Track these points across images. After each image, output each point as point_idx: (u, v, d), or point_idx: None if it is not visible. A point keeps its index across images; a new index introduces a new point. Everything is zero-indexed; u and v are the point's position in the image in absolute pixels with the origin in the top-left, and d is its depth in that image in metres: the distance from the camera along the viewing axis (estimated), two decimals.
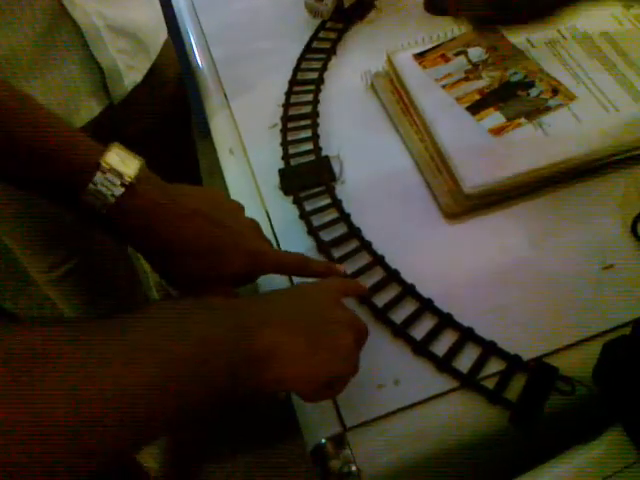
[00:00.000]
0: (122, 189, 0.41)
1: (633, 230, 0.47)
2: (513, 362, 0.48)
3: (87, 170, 0.41)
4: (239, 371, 0.35)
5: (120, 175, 0.41)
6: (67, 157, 0.41)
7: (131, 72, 0.70)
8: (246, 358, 0.36)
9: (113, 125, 0.71)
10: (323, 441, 0.48)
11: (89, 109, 0.67)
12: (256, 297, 0.42)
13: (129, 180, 0.42)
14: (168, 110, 0.81)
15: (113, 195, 0.41)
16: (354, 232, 0.57)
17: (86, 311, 0.83)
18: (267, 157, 0.67)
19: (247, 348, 0.36)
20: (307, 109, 0.70)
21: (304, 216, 0.60)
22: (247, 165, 0.68)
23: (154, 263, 0.46)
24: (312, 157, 0.65)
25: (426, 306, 0.52)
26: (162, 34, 0.78)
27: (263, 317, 0.39)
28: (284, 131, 0.68)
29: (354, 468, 0.47)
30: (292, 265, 0.50)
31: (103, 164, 0.41)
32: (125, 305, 0.86)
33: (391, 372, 0.50)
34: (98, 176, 0.41)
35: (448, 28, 0.73)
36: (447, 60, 0.70)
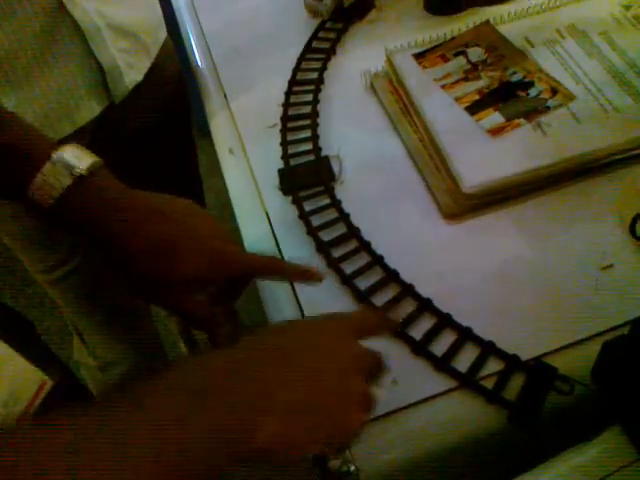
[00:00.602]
0: (70, 180, 0.40)
1: (632, 230, 0.47)
2: (512, 362, 0.48)
3: (37, 161, 0.40)
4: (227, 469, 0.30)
5: (71, 167, 0.40)
6: (18, 148, 0.40)
7: (132, 71, 0.70)
8: (237, 459, 0.30)
9: (114, 124, 0.71)
10: None
11: (90, 108, 0.67)
12: (250, 361, 0.34)
13: (79, 172, 0.40)
14: (168, 109, 0.81)
15: (61, 187, 0.40)
16: (353, 232, 0.57)
17: (85, 311, 0.83)
18: (267, 157, 0.67)
19: (237, 451, 0.30)
20: (307, 109, 0.70)
21: (303, 216, 0.60)
22: (247, 165, 0.68)
23: (108, 262, 0.43)
24: (312, 157, 0.65)
25: (425, 306, 0.52)
26: (162, 33, 0.78)
27: (263, 403, 0.32)
28: (284, 131, 0.68)
29: (353, 468, 0.47)
30: (260, 265, 0.46)
31: (54, 156, 0.40)
32: (123, 306, 0.86)
33: (389, 372, 0.50)
34: (47, 167, 0.40)
35: (447, 28, 0.73)
36: (446, 60, 0.70)
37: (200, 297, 0.44)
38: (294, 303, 0.55)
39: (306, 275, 0.47)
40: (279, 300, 0.56)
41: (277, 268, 0.47)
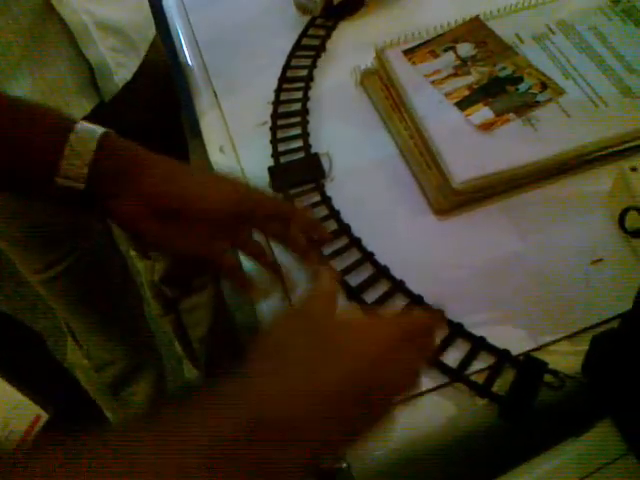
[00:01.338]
0: (95, 143, 0.42)
1: (620, 223, 0.47)
2: (502, 357, 0.48)
3: (62, 136, 0.42)
4: None
5: (93, 132, 0.43)
6: (38, 133, 0.43)
7: (121, 69, 0.70)
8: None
9: (104, 123, 0.71)
10: None
11: (80, 107, 0.67)
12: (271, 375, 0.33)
13: (101, 132, 0.43)
14: (158, 107, 0.81)
15: (91, 151, 0.42)
16: (344, 229, 0.57)
17: (78, 311, 0.83)
18: (257, 155, 0.67)
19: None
20: (297, 106, 0.70)
21: None
22: (237, 163, 0.68)
23: (135, 220, 0.44)
24: (302, 155, 0.65)
25: (416, 302, 0.52)
26: (151, 31, 0.77)
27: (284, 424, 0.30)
28: (273, 129, 0.68)
29: (344, 464, 0.47)
30: (283, 209, 0.49)
31: (77, 126, 0.43)
32: (118, 304, 0.86)
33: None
34: (72, 138, 0.42)
35: (437, 24, 0.73)
36: (436, 56, 0.70)
37: (221, 244, 0.46)
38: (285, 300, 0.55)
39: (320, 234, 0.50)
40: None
41: (294, 215, 0.49)
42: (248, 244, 0.49)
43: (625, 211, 0.46)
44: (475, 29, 0.73)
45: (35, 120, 0.44)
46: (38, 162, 0.42)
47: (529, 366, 0.47)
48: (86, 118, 0.67)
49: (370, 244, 0.56)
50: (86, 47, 0.64)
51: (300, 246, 0.49)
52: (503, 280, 0.54)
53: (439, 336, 0.50)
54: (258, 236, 0.50)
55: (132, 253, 1.03)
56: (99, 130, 0.44)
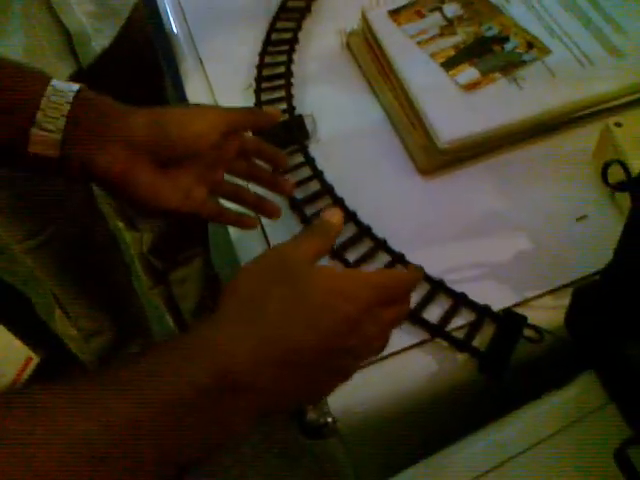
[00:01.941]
0: (72, 95, 0.41)
1: (604, 177, 0.47)
2: (483, 312, 0.49)
3: (38, 90, 0.41)
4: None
5: (68, 87, 0.42)
6: (14, 87, 0.42)
7: (100, 35, 0.69)
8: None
9: None
10: None
11: (57, 73, 0.66)
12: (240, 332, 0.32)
13: (77, 87, 0.42)
14: (139, 74, 0.80)
15: (67, 102, 0.41)
16: (327, 189, 0.57)
17: (63, 281, 0.82)
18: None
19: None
20: (281, 69, 0.69)
21: None
22: None
23: (121, 174, 0.43)
24: (286, 117, 0.65)
25: (397, 260, 0.52)
26: None
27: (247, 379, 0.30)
28: (258, 92, 0.67)
29: (330, 419, 0.47)
30: (260, 119, 0.50)
31: (52, 82, 0.42)
32: (103, 274, 0.86)
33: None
34: (49, 90, 0.41)
35: None
36: (422, 16, 0.69)
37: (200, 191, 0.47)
38: None
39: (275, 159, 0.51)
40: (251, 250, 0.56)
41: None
42: (224, 184, 0.50)
43: (607, 164, 0.45)
44: None
45: (11, 75, 0.43)
46: (15, 114, 0.41)
47: (508, 321, 0.48)
48: None
49: (353, 204, 0.56)
50: (63, 13, 0.63)
51: (268, 176, 0.51)
52: (486, 238, 0.54)
53: (420, 293, 0.50)
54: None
55: (120, 225, 1.03)
56: (76, 86, 0.43)
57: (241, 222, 0.51)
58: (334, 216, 0.40)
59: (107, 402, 0.27)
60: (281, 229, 0.57)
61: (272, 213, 0.52)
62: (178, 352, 0.30)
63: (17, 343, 0.71)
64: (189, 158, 0.45)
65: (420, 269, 0.49)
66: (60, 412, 0.26)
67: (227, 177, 0.50)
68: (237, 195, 0.51)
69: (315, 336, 0.32)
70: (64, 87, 0.42)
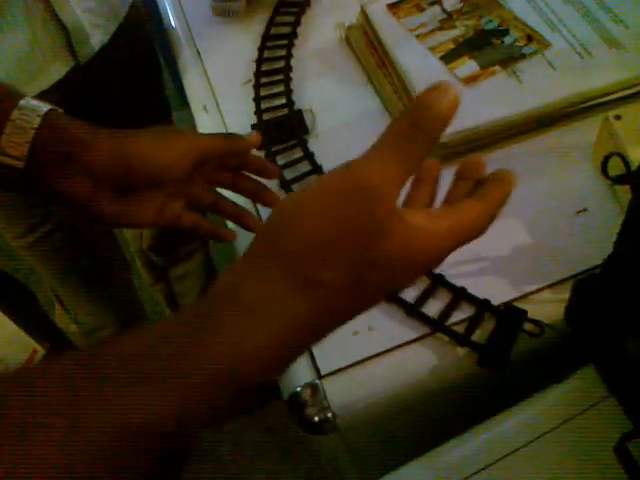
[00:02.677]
0: (39, 120, 0.40)
1: (603, 170, 0.47)
2: (482, 306, 0.48)
3: (5, 112, 0.40)
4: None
5: (37, 109, 0.41)
6: None
7: (97, 31, 0.68)
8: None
9: (81, 86, 0.70)
10: (298, 389, 0.48)
11: (54, 70, 0.66)
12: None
13: (45, 110, 0.41)
14: (138, 70, 0.80)
15: (31, 127, 0.40)
16: None
17: (62, 276, 0.82)
18: (241, 113, 0.66)
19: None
20: (280, 64, 0.69)
21: None
22: (221, 122, 0.67)
23: (86, 202, 0.42)
24: (285, 112, 0.64)
25: None
26: None
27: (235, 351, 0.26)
28: (257, 86, 0.67)
29: (330, 414, 0.47)
30: (231, 144, 0.47)
31: (21, 102, 0.41)
32: (102, 269, 0.86)
33: (365, 319, 0.50)
34: (15, 114, 0.40)
35: None
36: (421, 10, 0.69)
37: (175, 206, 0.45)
38: None
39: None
40: None
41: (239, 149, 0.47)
42: (202, 197, 0.48)
43: (607, 157, 0.45)
44: None
45: None
46: None
47: (508, 315, 0.47)
48: (62, 81, 0.66)
49: None
50: (61, 9, 0.63)
51: (253, 188, 0.49)
52: (487, 232, 0.54)
53: (419, 287, 0.50)
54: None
55: None
56: (44, 107, 0.42)
57: (217, 234, 0.50)
58: (447, 92, 0.27)
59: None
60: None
61: (252, 225, 0.50)
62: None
63: (23, 336, 0.71)
64: (155, 183, 0.44)
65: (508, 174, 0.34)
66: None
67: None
68: (217, 207, 0.49)
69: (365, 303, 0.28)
70: (31, 109, 0.41)
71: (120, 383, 0.24)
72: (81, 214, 0.43)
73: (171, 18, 0.81)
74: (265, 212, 0.57)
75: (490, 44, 0.64)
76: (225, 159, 0.47)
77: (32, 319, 0.61)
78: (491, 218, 0.31)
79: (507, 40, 0.64)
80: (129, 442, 0.24)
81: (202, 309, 0.27)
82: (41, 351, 0.62)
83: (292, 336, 0.27)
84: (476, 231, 0.30)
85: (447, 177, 0.57)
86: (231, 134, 0.48)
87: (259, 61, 0.70)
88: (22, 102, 0.41)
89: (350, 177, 0.27)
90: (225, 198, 0.50)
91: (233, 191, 0.50)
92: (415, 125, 0.27)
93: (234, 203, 0.50)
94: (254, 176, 0.50)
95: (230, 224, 0.52)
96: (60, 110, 0.43)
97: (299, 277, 0.26)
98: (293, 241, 0.27)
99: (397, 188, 0.27)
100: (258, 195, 0.50)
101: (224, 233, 0.50)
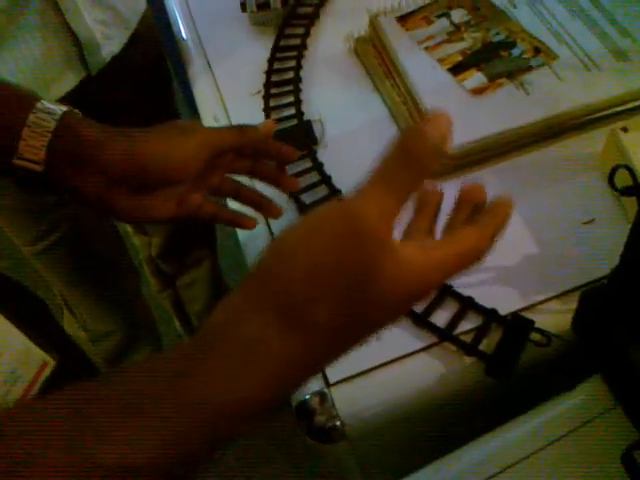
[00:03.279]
0: (54, 123, 0.41)
1: (610, 182, 0.47)
2: (490, 316, 0.49)
3: (21, 115, 0.41)
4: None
5: (52, 112, 0.42)
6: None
7: (109, 42, 0.69)
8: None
9: (91, 96, 0.71)
10: (307, 397, 0.48)
11: (66, 80, 0.67)
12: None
13: (61, 112, 0.42)
14: (148, 81, 0.81)
15: (48, 131, 0.41)
16: (335, 194, 0.58)
17: (71, 282, 0.83)
18: (250, 123, 0.67)
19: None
20: (289, 75, 0.70)
21: None
22: None
23: (101, 200, 0.43)
24: (294, 122, 0.65)
25: None
26: (141, 4, 0.77)
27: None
28: (266, 97, 0.68)
29: (338, 423, 0.48)
30: (252, 143, 0.47)
31: (37, 105, 0.41)
32: (111, 277, 0.86)
33: None
34: (31, 118, 0.41)
35: None
36: (429, 22, 0.70)
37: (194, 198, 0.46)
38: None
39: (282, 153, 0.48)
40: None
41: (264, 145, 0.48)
42: (222, 186, 0.49)
43: (615, 169, 0.46)
44: None
45: None
46: None
47: (515, 324, 0.48)
48: (73, 92, 0.67)
49: None
50: (73, 20, 0.64)
51: (273, 173, 0.49)
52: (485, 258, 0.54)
53: (428, 298, 0.51)
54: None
55: (129, 229, 1.04)
56: (59, 110, 0.42)
57: (239, 221, 0.50)
58: (440, 121, 0.27)
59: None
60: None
61: (273, 212, 0.50)
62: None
63: (33, 347, 0.72)
64: (172, 180, 0.44)
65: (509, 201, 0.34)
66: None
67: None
68: (238, 194, 0.50)
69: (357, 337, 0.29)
70: (47, 112, 0.42)
71: (102, 423, 0.24)
72: (98, 211, 0.44)
73: (182, 29, 0.82)
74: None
75: (498, 56, 0.65)
76: (242, 149, 0.47)
77: (42, 328, 0.62)
78: (489, 245, 0.31)
79: (514, 52, 0.65)
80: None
81: (192, 349, 0.27)
82: (51, 363, 0.62)
83: (283, 376, 0.27)
84: (474, 258, 0.31)
85: (455, 190, 0.58)
86: (244, 126, 0.48)
87: (269, 72, 0.71)
88: (38, 105, 0.42)
89: (341, 214, 0.27)
90: (245, 186, 0.50)
91: (254, 178, 0.50)
92: (407, 155, 0.27)
93: (255, 190, 0.50)
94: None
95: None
96: (76, 111, 0.44)
97: (291, 317, 0.26)
98: (285, 280, 0.26)
99: (389, 222, 0.27)
100: (278, 181, 0.50)
101: (245, 221, 0.50)
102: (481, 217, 0.32)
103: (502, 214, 0.32)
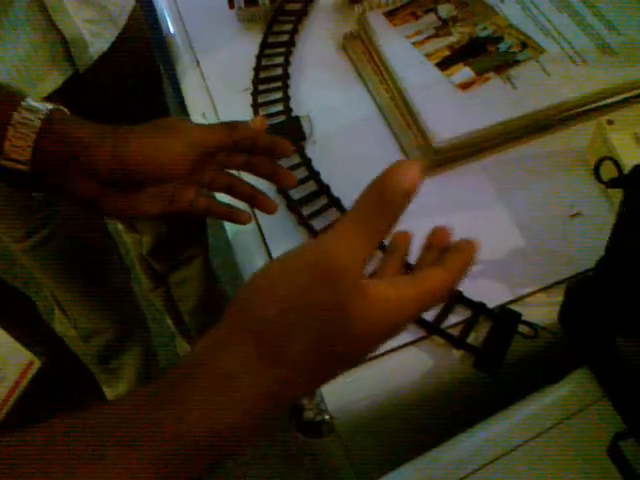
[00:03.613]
0: (39, 122, 0.41)
1: (596, 174, 0.48)
2: (478, 309, 0.49)
3: (5, 116, 0.40)
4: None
5: (37, 110, 0.41)
6: None
7: (97, 40, 0.69)
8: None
9: (81, 94, 0.71)
10: None
11: (52, 78, 0.66)
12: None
13: (47, 110, 0.41)
14: (138, 79, 0.80)
15: (33, 132, 0.40)
16: (323, 189, 0.58)
17: (61, 280, 0.83)
18: (238, 120, 0.67)
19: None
20: (278, 71, 0.70)
21: None
22: None
23: (90, 199, 0.43)
24: (283, 118, 0.65)
25: None
26: (129, 3, 0.76)
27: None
28: (255, 94, 0.68)
29: (327, 417, 0.48)
30: (243, 138, 0.46)
31: (23, 103, 0.41)
32: (102, 273, 0.86)
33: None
34: (15, 117, 0.40)
35: None
36: (417, 17, 0.70)
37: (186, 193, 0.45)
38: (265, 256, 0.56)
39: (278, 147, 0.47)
40: (252, 258, 0.56)
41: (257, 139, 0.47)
42: (215, 181, 0.48)
43: (600, 161, 0.46)
44: None
45: None
46: None
47: (503, 317, 0.48)
48: (62, 89, 0.67)
49: (349, 204, 0.56)
50: (59, 19, 0.63)
51: (269, 167, 0.49)
52: (481, 235, 0.54)
53: None
54: None
55: (120, 227, 1.04)
56: (44, 109, 0.42)
57: (233, 216, 0.50)
58: (409, 170, 0.28)
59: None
60: (278, 230, 0.57)
61: (268, 207, 0.50)
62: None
63: (19, 347, 0.72)
64: (163, 177, 0.44)
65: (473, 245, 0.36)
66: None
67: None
68: (231, 188, 0.49)
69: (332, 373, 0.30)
70: (33, 111, 0.41)
71: (84, 454, 0.25)
72: (87, 209, 0.44)
73: (170, 25, 0.82)
74: None
75: (485, 51, 0.65)
76: (235, 145, 0.47)
77: (30, 328, 0.61)
78: (452, 285, 0.32)
79: (502, 47, 0.65)
80: None
81: (175, 377, 0.27)
82: (37, 363, 0.62)
83: (256, 408, 0.27)
84: (437, 298, 0.32)
85: (442, 184, 0.59)
86: (234, 123, 0.47)
87: (257, 69, 0.71)
88: (23, 104, 0.41)
89: (315, 254, 0.28)
90: (240, 179, 0.50)
91: (248, 172, 0.49)
92: (381, 199, 0.28)
93: (249, 184, 0.49)
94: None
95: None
96: (63, 108, 0.44)
97: (264, 351, 0.27)
98: (260, 316, 0.27)
99: (362, 262, 0.28)
100: (274, 175, 0.49)
101: (239, 215, 0.49)
102: (446, 258, 0.33)
103: (466, 256, 0.34)
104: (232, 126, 0.47)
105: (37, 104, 0.42)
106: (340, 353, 0.28)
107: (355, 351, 0.29)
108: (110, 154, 0.42)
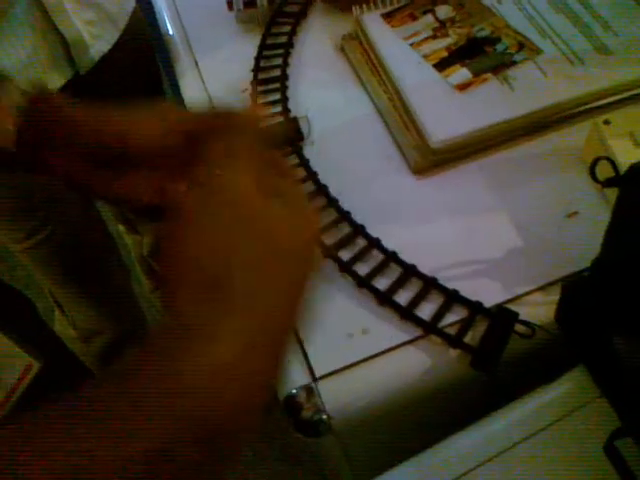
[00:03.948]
0: (24, 99, 0.39)
1: (592, 173, 0.48)
2: (475, 308, 0.49)
3: None
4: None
5: (21, 89, 0.40)
6: None
7: (98, 42, 0.70)
8: None
9: (81, 95, 0.71)
10: (294, 391, 0.49)
11: (52, 80, 0.67)
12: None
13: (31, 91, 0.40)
14: (138, 80, 0.81)
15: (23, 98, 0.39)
16: (321, 189, 0.58)
17: (61, 280, 0.83)
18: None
19: None
20: (276, 73, 0.70)
21: None
22: None
23: (76, 176, 0.41)
24: (281, 119, 0.65)
25: (391, 258, 0.53)
26: (129, 3, 0.77)
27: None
28: (253, 95, 0.68)
29: (325, 416, 0.48)
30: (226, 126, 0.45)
31: (5, 84, 0.40)
32: (102, 274, 0.86)
33: (359, 321, 0.51)
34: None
35: None
36: (415, 18, 0.70)
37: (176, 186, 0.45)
38: None
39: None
40: None
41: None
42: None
43: (596, 161, 0.46)
44: None
45: None
46: None
47: (500, 316, 0.48)
48: (62, 91, 0.67)
49: (347, 204, 0.57)
50: (59, 21, 0.64)
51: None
52: (478, 235, 0.55)
53: (413, 290, 0.51)
54: None
55: (121, 228, 1.04)
56: (28, 90, 0.41)
57: None
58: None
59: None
60: None
61: None
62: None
63: (17, 350, 0.72)
64: (149, 159, 0.44)
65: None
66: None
67: None
68: None
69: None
70: (16, 91, 0.39)
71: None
72: (76, 190, 0.44)
73: (168, 26, 0.82)
74: None
75: (482, 52, 0.65)
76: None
77: (29, 330, 0.62)
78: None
79: (499, 48, 0.66)
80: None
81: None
82: (36, 365, 0.62)
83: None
84: None
85: (439, 184, 0.59)
86: (221, 111, 0.46)
87: (256, 70, 0.71)
88: (7, 85, 0.40)
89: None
90: None
91: None
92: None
93: None
94: None
95: None
96: (45, 90, 0.43)
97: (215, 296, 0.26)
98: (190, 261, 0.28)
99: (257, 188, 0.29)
100: None
101: None
102: None
103: None
104: (223, 115, 0.46)
105: (21, 86, 0.42)
106: (274, 271, 0.28)
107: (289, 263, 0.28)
108: (91, 128, 0.42)
